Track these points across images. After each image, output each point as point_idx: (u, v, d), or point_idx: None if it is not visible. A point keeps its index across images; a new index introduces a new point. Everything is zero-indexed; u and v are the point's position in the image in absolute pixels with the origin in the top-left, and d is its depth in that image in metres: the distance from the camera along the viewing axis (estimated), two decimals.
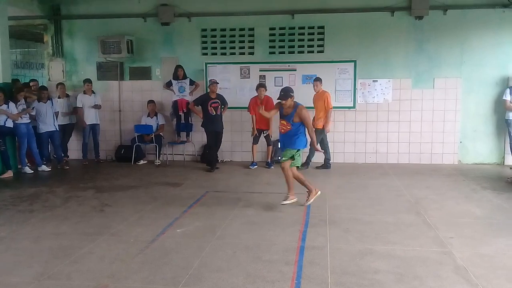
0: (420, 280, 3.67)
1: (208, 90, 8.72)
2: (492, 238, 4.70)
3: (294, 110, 5.90)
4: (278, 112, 6.20)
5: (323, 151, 8.28)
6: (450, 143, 9.12)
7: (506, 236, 4.75)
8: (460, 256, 4.16)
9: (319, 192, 5.98)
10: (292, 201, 5.92)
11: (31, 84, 9.55)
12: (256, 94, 8.68)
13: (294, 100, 5.95)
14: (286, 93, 5.92)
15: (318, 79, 8.54)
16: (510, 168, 8.34)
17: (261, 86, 8.67)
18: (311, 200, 5.89)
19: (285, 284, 3.60)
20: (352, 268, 3.91)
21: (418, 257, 4.17)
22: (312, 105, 8.49)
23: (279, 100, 5.97)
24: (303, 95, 9.13)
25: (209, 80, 8.93)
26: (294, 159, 5.94)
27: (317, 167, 8.65)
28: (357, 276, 3.74)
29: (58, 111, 9.11)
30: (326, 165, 8.70)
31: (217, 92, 8.58)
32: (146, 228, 5.05)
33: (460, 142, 9.11)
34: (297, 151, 5.94)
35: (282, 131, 6.08)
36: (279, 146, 6.59)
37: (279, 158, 9.03)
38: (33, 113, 8.63)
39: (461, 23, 8.82)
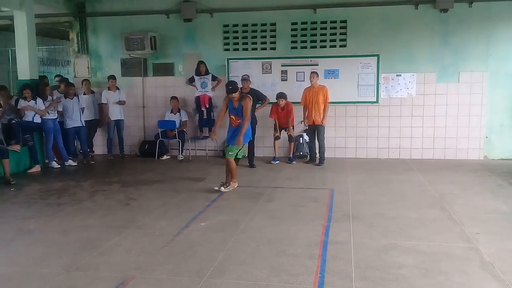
0: (446, 275, 3.64)
1: (241, 86, 8.66)
2: None
3: (240, 102, 6.32)
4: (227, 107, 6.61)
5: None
6: (475, 138, 8.96)
7: None
8: (486, 251, 4.11)
9: (236, 186, 6.62)
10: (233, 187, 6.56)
11: (55, 79, 9.71)
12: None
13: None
14: (234, 86, 6.40)
15: (315, 72, 8.59)
16: None
17: (281, 96, 8.66)
18: (226, 190, 6.46)
19: (309, 278, 3.61)
20: (376, 263, 3.90)
21: (443, 252, 4.13)
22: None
23: (229, 94, 6.42)
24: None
25: (241, 76, 8.83)
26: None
27: (305, 162, 8.83)
28: (381, 271, 3.73)
29: (84, 107, 9.28)
30: (321, 161, 8.64)
31: (252, 88, 8.53)
32: (171, 222, 5.13)
33: (486, 137, 8.94)
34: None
35: (233, 125, 6.49)
36: (227, 140, 6.87)
37: (300, 153, 9.13)
38: (60, 108, 8.81)
39: (487, 16, 8.64)
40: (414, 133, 9.14)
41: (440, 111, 9.01)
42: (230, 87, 6.35)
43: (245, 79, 8.50)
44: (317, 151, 8.78)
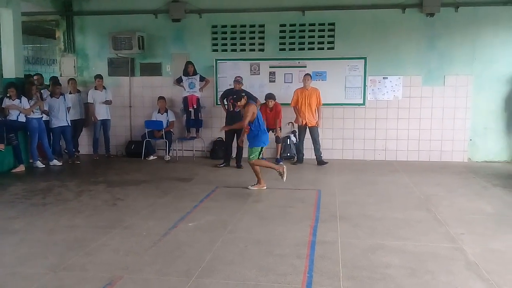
0: (432, 274, 3.69)
1: (233, 86, 8.65)
2: (503, 234, 4.71)
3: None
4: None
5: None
6: (460, 141, 9.09)
7: None
8: (471, 251, 4.18)
9: (264, 187, 6.72)
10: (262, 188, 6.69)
11: (35, 78, 9.48)
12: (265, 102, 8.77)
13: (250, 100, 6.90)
14: (237, 95, 6.92)
15: (309, 74, 8.68)
16: None
17: (270, 97, 8.66)
18: (255, 189, 6.64)
19: (297, 277, 3.63)
20: (364, 263, 3.93)
21: (429, 252, 4.18)
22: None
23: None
24: None
25: (235, 78, 8.79)
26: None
27: (293, 163, 8.86)
28: (368, 270, 3.77)
29: (70, 106, 9.18)
30: (321, 161, 8.78)
31: (244, 89, 8.48)
32: (158, 222, 5.10)
33: (470, 139, 9.08)
34: (261, 148, 6.72)
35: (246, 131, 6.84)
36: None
37: (288, 154, 9.16)
38: (46, 107, 8.72)
39: (473, 20, 8.78)
40: (400, 135, 9.24)
41: (425, 114, 9.13)
42: (235, 97, 7.25)
43: (237, 81, 8.50)
44: (303, 152, 8.89)
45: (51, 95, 8.87)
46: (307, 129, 8.77)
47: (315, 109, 8.67)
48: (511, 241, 4.50)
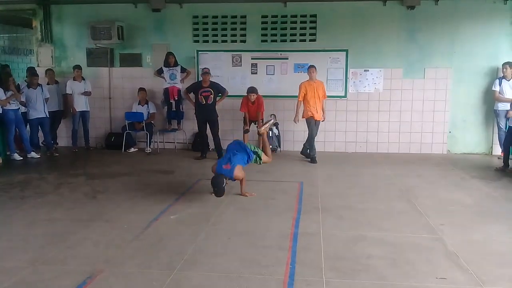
0: (412, 265, 3.74)
1: (201, 78, 8.69)
2: (482, 225, 4.79)
3: None
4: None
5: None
6: (439, 133, 9.21)
7: (495, 223, 4.85)
8: (451, 242, 4.24)
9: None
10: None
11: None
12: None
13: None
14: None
15: (314, 66, 8.32)
16: (498, 158, 8.45)
17: (252, 91, 8.55)
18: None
19: (280, 269, 3.64)
20: (346, 254, 3.96)
21: (410, 243, 4.24)
22: (295, 94, 8.40)
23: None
24: (295, 84, 9.17)
25: (202, 69, 8.84)
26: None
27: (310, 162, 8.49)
28: (350, 261, 3.80)
29: (48, 98, 8.99)
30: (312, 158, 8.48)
31: (211, 81, 8.51)
32: (140, 215, 5.05)
33: (449, 132, 9.21)
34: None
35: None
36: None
37: (270, 146, 9.13)
38: (23, 99, 8.52)
39: (452, 13, 8.87)
40: (381, 127, 9.31)
41: (406, 106, 9.22)
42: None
43: (206, 72, 8.42)
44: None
45: (28, 86, 8.67)
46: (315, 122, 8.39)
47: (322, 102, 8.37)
48: (489, 231, 4.59)
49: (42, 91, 8.79)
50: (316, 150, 8.47)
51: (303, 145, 8.71)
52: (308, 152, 8.50)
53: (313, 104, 8.25)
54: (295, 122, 8.53)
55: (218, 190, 5.38)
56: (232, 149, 5.89)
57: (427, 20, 8.93)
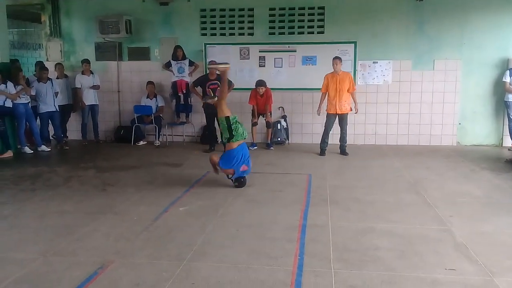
0: (421, 256, 3.74)
1: (208, 72, 8.70)
2: (491, 216, 4.77)
3: None
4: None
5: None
6: (449, 125, 9.15)
7: (505, 214, 4.82)
8: (459, 234, 4.23)
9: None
10: None
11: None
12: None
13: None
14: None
15: (339, 58, 8.06)
16: (509, 150, 8.40)
17: (260, 85, 8.58)
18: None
19: (289, 260, 3.65)
20: (354, 245, 3.97)
21: (418, 234, 4.23)
22: (319, 87, 8.29)
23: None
24: (303, 76, 9.17)
25: (208, 62, 8.85)
26: None
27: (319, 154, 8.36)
28: (359, 253, 3.80)
29: (58, 91, 9.06)
30: (344, 151, 8.32)
31: (218, 73, 8.54)
32: (149, 207, 5.09)
33: (459, 123, 9.14)
34: None
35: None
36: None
37: (278, 139, 9.17)
38: (33, 93, 8.59)
39: (462, 4, 8.77)
40: (390, 119, 9.27)
41: (415, 98, 9.16)
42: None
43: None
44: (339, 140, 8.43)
45: (38, 80, 8.74)
46: (337, 117, 8.18)
47: (349, 95, 8.07)
48: (498, 223, 4.57)
49: (52, 85, 8.85)
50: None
51: (340, 144, 8.37)
52: (340, 148, 8.34)
53: (333, 96, 8.03)
54: (318, 114, 8.39)
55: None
56: (246, 153, 5.95)
57: (436, 12, 8.84)
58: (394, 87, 9.17)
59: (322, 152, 8.27)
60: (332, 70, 8.09)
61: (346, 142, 8.33)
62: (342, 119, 8.21)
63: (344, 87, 8.02)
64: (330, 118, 8.23)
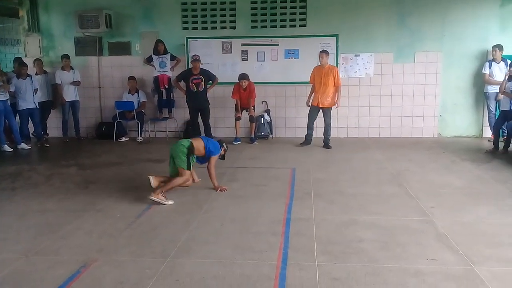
0: (403, 247, 3.79)
1: (190, 66, 8.65)
2: (472, 206, 4.85)
3: None
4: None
5: None
6: (430, 117, 9.25)
7: (485, 204, 4.91)
8: (441, 224, 4.29)
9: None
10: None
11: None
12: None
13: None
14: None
15: (326, 51, 8.19)
16: (488, 141, 8.53)
17: (243, 78, 8.56)
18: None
19: (273, 254, 3.67)
20: (338, 238, 4.00)
21: (401, 226, 4.29)
22: (307, 80, 8.44)
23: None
24: (285, 70, 9.18)
25: (191, 56, 8.80)
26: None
27: (300, 145, 8.53)
28: (342, 245, 3.83)
29: (37, 88, 8.90)
30: (327, 144, 8.38)
31: (201, 68, 8.51)
32: (132, 204, 5.05)
33: (440, 115, 9.26)
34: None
35: None
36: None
37: (262, 133, 9.17)
38: (12, 89, 8.43)
39: None
40: (372, 112, 9.34)
41: (396, 91, 9.24)
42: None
43: (196, 59, 8.45)
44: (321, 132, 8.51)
45: (18, 76, 8.57)
46: (320, 110, 8.29)
47: (334, 90, 8.16)
48: (479, 213, 4.65)
49: (32, 81, 8.69)
50: (302, 136, 8.62)
51: (324, 137, 8.44)
52: (323, 141, 8.44)
53: (317, 89, 8.18)
54: (307, 105, 8.51)
55: None
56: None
57: (417, 4, 8.91)
58: (376, 80, 9.23)
59: (308, 142, 8.43)
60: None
61: (330, 136, 8.40)
62: (325, 113, 8.33)
63: (328, 81, 8.10)
64: (312, 109, 8.38)
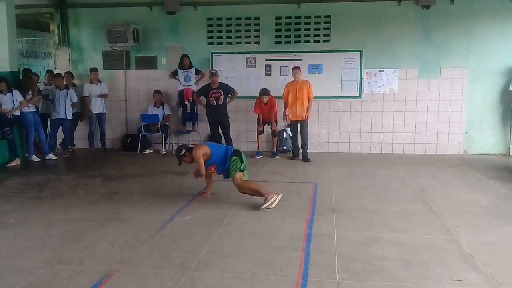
0: (427, 266, 3.71)
1: (210, 81, 8.74)
2: (498, 226, 4.73)
3: None
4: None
5: None
6: (455, 134, 9.12)
7: (511, 224, 4.78)
8: (466, 244, 4.20)
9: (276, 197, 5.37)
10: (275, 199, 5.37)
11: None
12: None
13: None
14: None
15: (298, 67, 8.52)
16: None
17: (264, 93, 8.63)
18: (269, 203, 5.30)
19: (294, 270, 3.64)
20: (359, 255, 3.95)
21: (424, 244, 4.20)
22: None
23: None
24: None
25: (209, 71, 8.90)
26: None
27: (289, 158, 8.74)
28: (364, 263, 3.78)
29: (75, 102, 9.16)
30: (305, 157, 8.53)
31: (220, 82, 8.61)
32: (154, 215, 5.10)
33: (466, 132, 9.11)
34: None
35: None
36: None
37: (284, 148, 9.17)
38: (50, 98, 8.85)
39: (468, 13, 8.78)
40: (396, 128, 9.25)
41: (421, 107, 9.15)
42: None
43: (213, 74, 8.60)
44: (299, 146, 8.70)
45: (55, 87, 8.93)
46: (298, 124, 8.59)
47: (307, 102, 8.46)
48: (505, 233, 4.53)
49: (67, 94, 8.92)
50: (328, 151, 8.84)
51: (301, 150, 8.66)
52: (301, 155, 8.63)
53: (292, 103, 8.46)
54: (283, 121, 8.75)
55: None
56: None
57: (443, 20, 8.85)
58: (400, 95, 9.16)
59: (296, 155, 8.68)
60: (293, 79, 8.53)
61: (307, 149, 8.57)
62: (302, 125, 8.55)
63: (303, 94, 8.39)
64: (292, 125, 8.65)
